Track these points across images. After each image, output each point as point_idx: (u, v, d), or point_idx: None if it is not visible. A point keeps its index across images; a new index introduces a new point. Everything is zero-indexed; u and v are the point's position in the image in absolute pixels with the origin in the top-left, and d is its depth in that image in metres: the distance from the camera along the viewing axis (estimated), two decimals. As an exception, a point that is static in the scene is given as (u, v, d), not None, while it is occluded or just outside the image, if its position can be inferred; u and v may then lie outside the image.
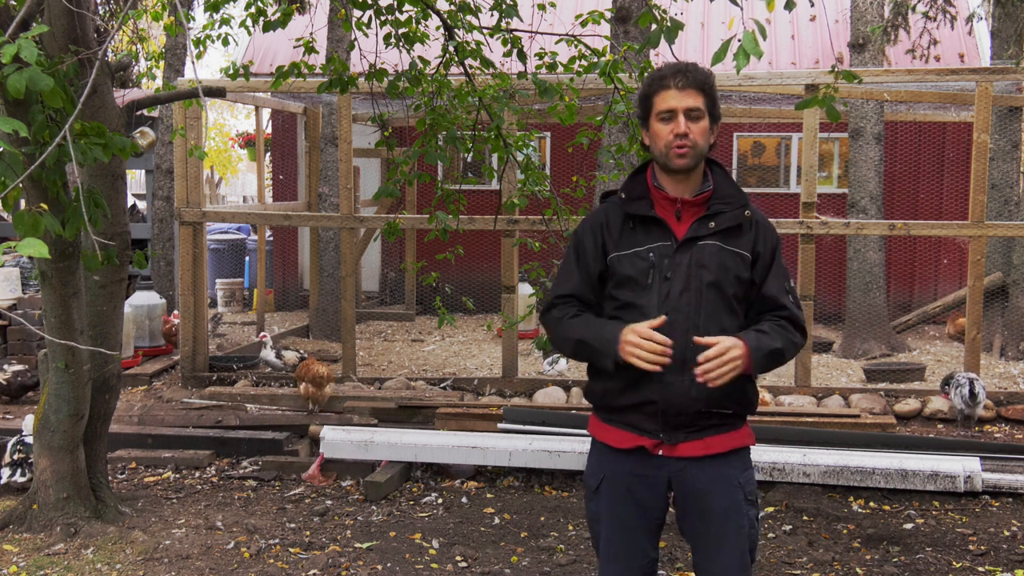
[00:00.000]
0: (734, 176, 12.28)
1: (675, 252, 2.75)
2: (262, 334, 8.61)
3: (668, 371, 2.68)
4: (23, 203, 4.60)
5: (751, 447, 2.88)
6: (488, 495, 5.97)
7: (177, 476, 6.31)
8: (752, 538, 2.81)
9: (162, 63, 11.32)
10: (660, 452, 2.77)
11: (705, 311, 2.73)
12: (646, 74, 2.91)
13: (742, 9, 3.97)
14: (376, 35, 5.28)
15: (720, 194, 2.80)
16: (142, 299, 9.22)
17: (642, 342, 2.63)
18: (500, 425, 6.56)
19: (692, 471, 2.77)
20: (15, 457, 5.86)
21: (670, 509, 2.88)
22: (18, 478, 5.80)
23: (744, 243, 2.78)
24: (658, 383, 2.71)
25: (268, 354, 8.20)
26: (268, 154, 13.65)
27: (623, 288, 2.79)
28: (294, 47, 5.57)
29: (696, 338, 2.65)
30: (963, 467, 5.77)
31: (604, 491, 2.85)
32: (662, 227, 2.77)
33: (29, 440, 5.84)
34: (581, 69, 5.35)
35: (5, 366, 7.65)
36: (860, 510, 5.67)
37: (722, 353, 2.60)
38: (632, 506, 2.81)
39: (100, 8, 12.61)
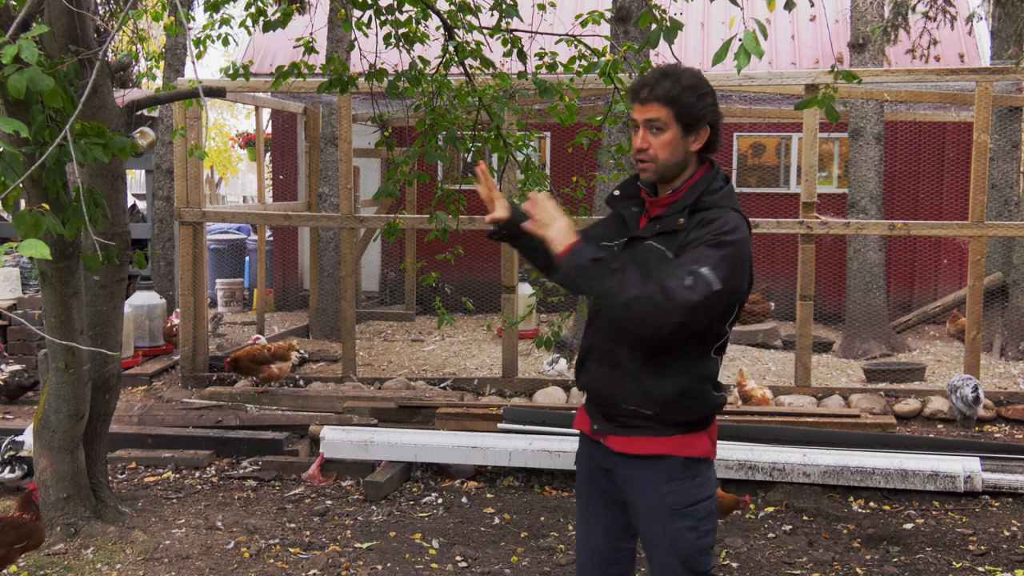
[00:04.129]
0: (733, 176, 12.38)
1: (623, 248, 2.81)
2: (254, 337, 8.61)
3: (591, 360, 2.82)
4: (23, 203, 4.61)
5: (696, 460, 2.72)
6: (488, 495, 5.97)
7: (177, 476, 6.31)
8: (685, 552, 2.70)
9: (162, 63, 11.32)
10: (599, 440, 2.86)
11: None
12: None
13: (742, 9, 3.97)
14: (376, 35, 5.28)
15: (679, 199, 2.72)
16: (142, 299, 9.22)
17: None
18: (500, 425, 6.56)
19: (621, 468, 2.80)
20: (6, 455, 5.89)
21: None
22: (7, 475, 5.83)
23: (674, 243, 2.67)
24: (592, 370, 2.83)
25: (268, 354, 8.21)
26: (268, 154, 13.65)
27: None
28: (294, 47, 5.57)
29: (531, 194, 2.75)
30: (963, 467, 5.77)
31: (577, 471, 3.00)
32: (629, 224, 2.84)
33: (19, 439, 5.89)
34: (581, 69, 5.35)
35: (3, 366, 7.64)
36: (860, 510, 5.67)
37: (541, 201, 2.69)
38: (593, 488, 2.91)
39: (100, 8, 12.61)
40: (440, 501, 5.85)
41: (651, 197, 2.82)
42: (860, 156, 9.64)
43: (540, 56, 5.44)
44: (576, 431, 3.04)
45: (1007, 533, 5.29)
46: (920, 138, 11.75)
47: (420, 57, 5.32)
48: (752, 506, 5.32)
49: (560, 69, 5.45)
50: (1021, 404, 7.35)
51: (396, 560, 4.87)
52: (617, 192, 2.91)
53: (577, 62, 5.35)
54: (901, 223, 7.70)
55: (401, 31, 5.27)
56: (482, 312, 11.15)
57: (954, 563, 4.85)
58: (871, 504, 5.76)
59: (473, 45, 5.28)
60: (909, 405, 7.36)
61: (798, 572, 4.75)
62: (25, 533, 4.42)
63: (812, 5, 5.42)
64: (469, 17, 5.22)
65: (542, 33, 5.30)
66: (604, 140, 7.58)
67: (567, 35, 5.31)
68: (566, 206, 5.92)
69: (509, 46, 5.27)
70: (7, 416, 7.19)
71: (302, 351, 8.78)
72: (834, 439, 6.20)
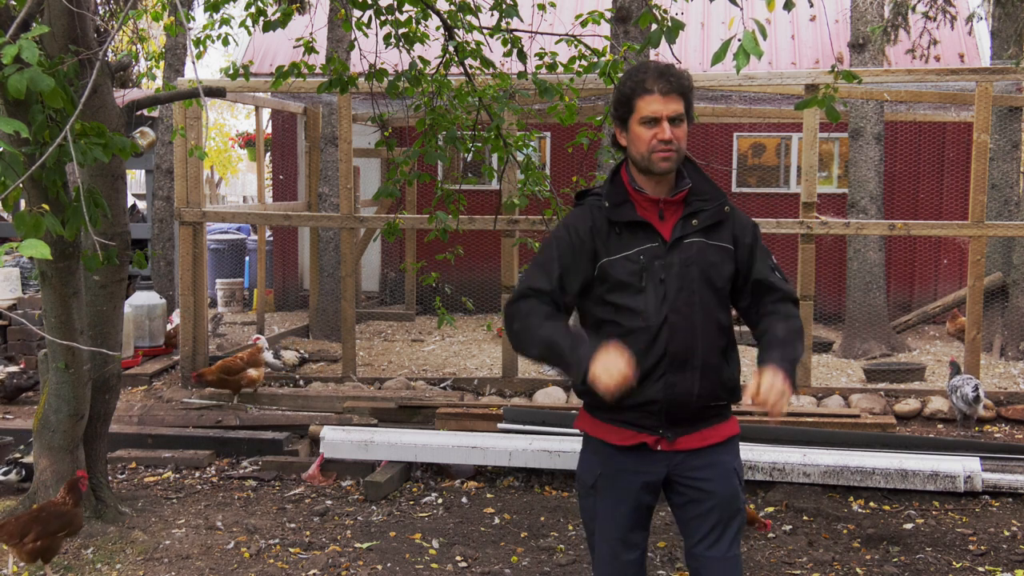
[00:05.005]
0: (733, 176, 12.38)
1: (666, 253, 2.78)
2: (255, 337, 8.58)
3: (670, 371, 2.76)
4: (23, 203, 4.61)
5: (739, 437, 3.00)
6: (488, 495, 5.97)
7: (177, 476, 6.31)
8: (744, 521, 2.95)
9: (162, 63, 11.32)
10: (660, 447, 2.83)
11: (701, 309, 2.79)
12: (624, 74, 2.88)
13: (742, 9, 3.97)
14: (376, 35, 5.28)
15: (697, 191, 2.84)
16: (142, 299, 9.21)
17: (613, 373, 2.55)
18: (500, 425, 6.56)
19: (691, 462, 2.86)
20: (11, 458, 5.92)
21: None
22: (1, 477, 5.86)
23: (725, 236, 2.85)
24: (661, 383, 2.76)
25: (267, 355, 8.20)
26: (268, 154, 13.64)
27: (616, 292, 2.79)
28: (294, 47, 5.58)
29: (750, 397, 2.69)
30: (963, 467, 5.77)
31: (601, 487, 2.89)
32: (648, 229, 2.80)
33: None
34: (581, 69, 5.35)
35: (2, 367, 7.65)
36: (860, 510, 5.67)
37: (772, 388, 2.67)
38: (629, 502, 2.88)
39: (100, 8, 12.61)
40: (440, 501, 5.85)
41: (653, 197, 2.82)
42: (860, 156, 9.63)
43: (540, 56, 5.44)
44: (578, 433, 3.03)
45: (1007, 533, 5.29)
46: (920, 138, 11.75)
47: (420, 57, 5.32)
48: (771, 533, 5.30)
49: (560, 69, 5.45)
50: (1021, 404, 7.34)
51: (396, 560, 4.87)
52: (607, 203, 2.82)
53: (577, 62, 5.35)
54: (901, 223, 7.70)
55: (401, 31, 5.27)
56: (482, 312, 11.14)
57: (954, 563, 4.85)
58: (871, 504, 5.76)
59: (473, 45, 5.28)
60: (909, 405, 7.36)
61: (798, 572, 4.75)
62: (67, 521, 4.52)
63: (812, 5, 5.42)
64: (469, 17, 5.22)
65: (542, 33, 5.30)
66: (604, 140, 7.58)
67: (567, 35, 5.31)
68: (566, 206, 5.93)
69: (509, 46, 5.28)
70: (7, 416, 7.19)
71: (302, 351, 8.77)
72: (834, 439, 6.20)
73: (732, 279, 2.86)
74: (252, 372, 7.34)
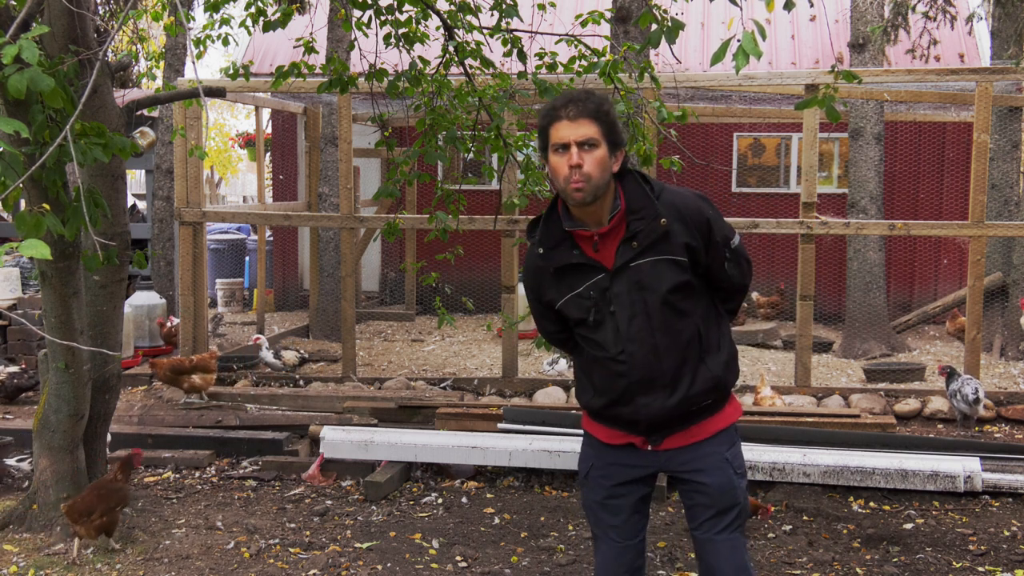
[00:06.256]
0: (733, 176, 12.38)
1: (610, 283, 2.76)
2: (255, 337, 8.59)
3: (640, 393, 2.80)
4: (23, 203, 4.61)
5: (737, 422, 2.98)
6: (488, 495, 5.97)
7: (177, 476, 6.31)
8: (744, 508, 2.94)
9: (162, 63, 11.32)
10: (648, 447, 2.90)
11: (659, 329, 2.77)
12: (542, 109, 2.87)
13: (742, 9, 3.97)
14: (376, 35, 5.28)
15: (632, 208, 2.75)
16: (142, 299, 9.22)
17: None
18: (500, 425, 6.56)
19: (681, 456, 2.90)
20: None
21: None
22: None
23: (675, 248, 2.75)
24: (634, 405, 2.81)
25: (267, 355, 8.21)
26: (268, 154, 13.64)
27: (579, 327, 2.88)
28: (294, 47, 5.57)
29: None
30: (963, 467, 5.77)
31: (593, 478, 3.00)
32: (590, 264, 2.79)
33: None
34: (581, 69, 5.35)
35: (1, 367, 7.65)
36: (860, 510, 5.67)
37: None
38: (620, 492, 2.96)
39: (100, 8, 12.61)
40: (440, 501, 5.85)
41: (587, 233, 2.76)
42: (860, 156, 9.63)
43: (540, 56, 5.44)
44: (578, 433, 3.08)
45: (1007, 533, 5.29)
46: (920, 138, 11.75)
47: (420, 57, 5.32)
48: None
49: (560, 69, 5.45)
50: (1021, 404, 7.34)
51: (396, 560, 4.87)
52: (541, 250, 2.82)
53: (577, 62, 5.35)
54: (901, 223, 7.70)
55: (401, 31, 5.27)
56: (482, 312, 11.14)
57: (954, 563, 4.85)
58: (871, 504, 5.76)
59: (473, 45, 5.28)
60: (909, 405, 7.36)
61: (798, 572, 4.75)
62: (122, 496, 4.93)
63: (812, 5, 5.43)
64: (469, 17, 5.22)
65: (542, 33, 5.30)
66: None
67: (567, 35, 5.31)
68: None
69: (509, 46, 5.27)
70: (7, 416, 7.19)
71: (302, 351, 8.77)
72: (834, 439, 6.20)
73: (690, 282, 2.78)
74: (196, 379, 7.24)
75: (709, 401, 2.87)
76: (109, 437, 5.71)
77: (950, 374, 7.03)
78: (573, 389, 8.28)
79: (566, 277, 2.81)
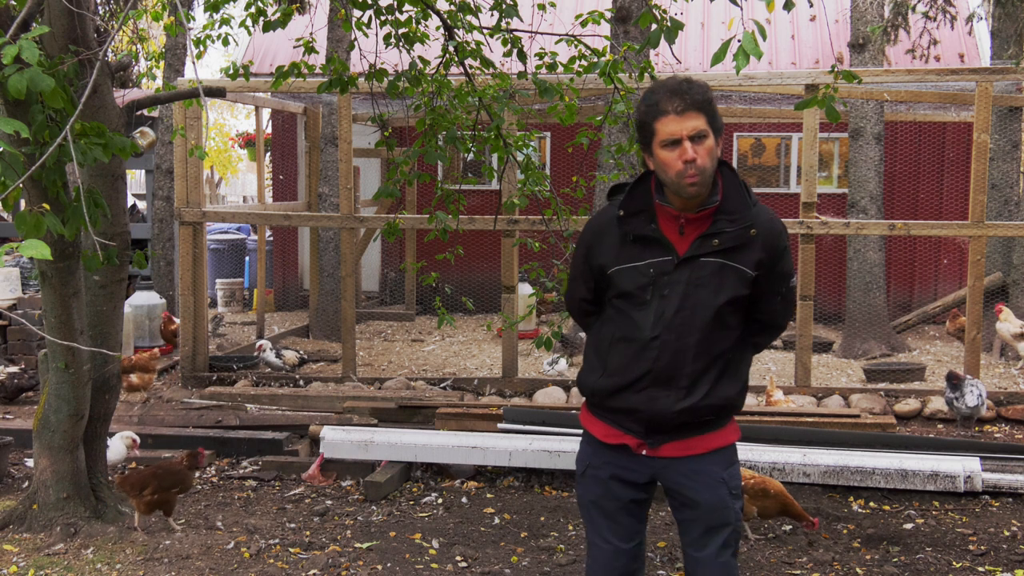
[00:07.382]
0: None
1: (674, 269, 2.74)
2: (259, 344, 8.54)
3: (653, 385, 2.77)
4: (23, 203, 4.62)
5: (736, 444, 2.95)
6: (488, 495, 5.97)
7: (177, 476, 6.31)
8: (737, 530, 2.90)
9: (162, 63, 11.33)
10: (643, 452, 2.87)
11: (699, 331, 2.75)
12: (641, 95, 2.81)
13: (742, 9, 3.97)
14: (376, 35, 5.28)
15: (726, 208, 2.73)
16: (142, 299, 9.22)
17: None
18: (500, 425, 6.56)
19: (676, 467, 2.86)
20: None
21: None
22: None
23: (747, 258, 2.74)
24: (645, 395, 2.79)
25: (269, 354, 8.21)
26: (268, 154, 13.65)
27: (622, 300, 2.82)
28: (294, 47, 5.57)
29: None
30: (963, 467, 5.77)
31: (589, 477, 2.97)
32: (662, 243, 2.76)
33: None
34: (581, 69, 5.34)
35: (0, 367, 7.65)
36: (860, 510, 5.67)
37: None
38: (615, 493, 2.92)
39: (100, 8, 12.61)
40: (440, 501, 5.85)
41: (675, 212, 2.74)
42: (860, 156, 9.63)
43: (540, 56, 5.44)
44: (578, 433, 3.06)
45: (1007, 533, 5.29)
46: (920, 138, 11.75)
47: (420, 57, 5.31)
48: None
49: (560, 69, 5.44)
50: (1021, 404, 7.35)
51: (396, 560, 4.87)
52: (621, 212, 2.79)
53: (577, 62, 5.34)
54: (901, 223, 7.71)
55: (401, 31, 5.27)
56: (482, 312, 11.15)
57: (954, 563, 4.85)
58: (871, 504, 5.76)
59: (473, 45, 5.27)
60: (909, 405, 7.36)
61: (798, 572, 4.75)
62: (180, 479, 5.14)
63: (812, 5, 5.42)
64: (469, 17, 5.22)
65: (542, 33, 5.29)
66: (604, 140, 7.58)
67: (567, 35, 5.30)
68: (566, 206, 5.93)
69: (509, 46, 5.27)
70: (7, 416, 7.19)
71: (302, 351, 8.78)
72: (834, 439, 6.20)
73: (744, 301, 2.79)
74: (133, 377, 7.24)
75: (711, 418, 2.84)
76: (109, 438, 5.71)
77: (950, 382, 6.98)
78: (573, 388, 8.26)
79: (632, 247, 2.78)
